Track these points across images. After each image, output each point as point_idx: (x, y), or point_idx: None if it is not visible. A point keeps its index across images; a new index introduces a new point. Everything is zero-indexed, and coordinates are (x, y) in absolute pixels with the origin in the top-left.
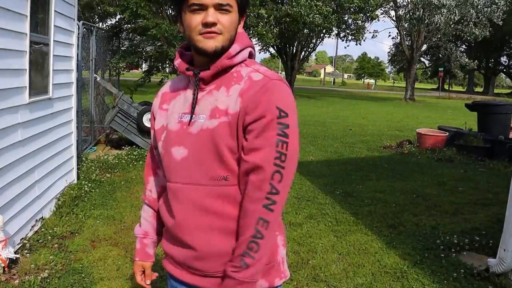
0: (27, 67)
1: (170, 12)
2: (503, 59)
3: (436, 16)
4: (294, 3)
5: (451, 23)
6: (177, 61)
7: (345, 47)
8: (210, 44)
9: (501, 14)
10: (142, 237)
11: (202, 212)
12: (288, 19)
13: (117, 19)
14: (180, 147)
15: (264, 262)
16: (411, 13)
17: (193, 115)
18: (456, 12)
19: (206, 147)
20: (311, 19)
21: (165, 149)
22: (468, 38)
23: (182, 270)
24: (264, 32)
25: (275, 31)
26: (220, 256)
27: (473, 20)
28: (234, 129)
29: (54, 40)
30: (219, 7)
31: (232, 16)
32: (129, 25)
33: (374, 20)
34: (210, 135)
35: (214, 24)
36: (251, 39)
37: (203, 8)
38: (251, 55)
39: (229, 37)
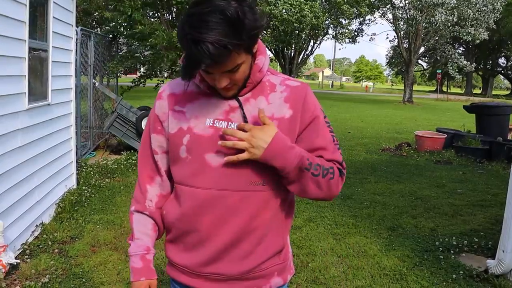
0: (26, 73)
1: (167, 17)
2: (501, 60)
3: (437, 14)
4: (273, 4)
5: (449, 24)
6: (203, 84)
7: (339, 49)
8: (229, 94)
9: (497, 15)
10: (144, 253)
11: (237, 217)
12: (275, 20)
13: (113, 25)
14: (217, 154)
15: (306, 172)
16: (408, 15)
17: (229, 123)
18: (455, 13)
19: None
20: (294, 18)
21: (194, 154)
22: (466, 39)
23: (199, 279)
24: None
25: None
26: (247, 259)
27: (469, 22)
28: (285, 133)
29: (52, 46)
30: (229, 72)
31: (244, 67)
32: (126, 31)
33: (369, 21)
34: None
35: (227, 85)
36: None
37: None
38: None
39: (243, 81)
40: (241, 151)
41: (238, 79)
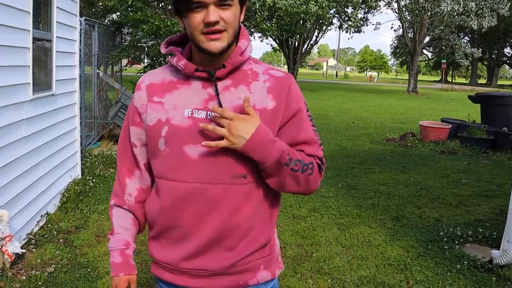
0: (30, 64)
1: (163, 4)
2: (507, 50)
3: (442, 3)
4: None
5: (455, 14)
6: (182, 62)
7: (348, 39)
8: (216, 45)
9: (508, 3)
10: (123, 248)
11: (219, 211)
12: (280, 11)
13: (117, 14)
14: (196, 145)
15: (284, 167)
16: (413, 4)
17: (208, 113)
18: (461, 2)
19: None
20: (299, 9)
21: (173, 147)
22: (473, 27)
23: (182, 276)
24: (265, 26)
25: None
26: (231, 253)
27: (474, 11)
28: (266, 124)
29: (56, 36)
30: (220, 3)
31: (234, 9)
32: (127, 20)
33: (374, 10)
34: None
35: (216, 23)
36: (251, 30)
37: (203, 5)
38: None
39: (233, 33)
40: (221, 138)
41: (228, 20)
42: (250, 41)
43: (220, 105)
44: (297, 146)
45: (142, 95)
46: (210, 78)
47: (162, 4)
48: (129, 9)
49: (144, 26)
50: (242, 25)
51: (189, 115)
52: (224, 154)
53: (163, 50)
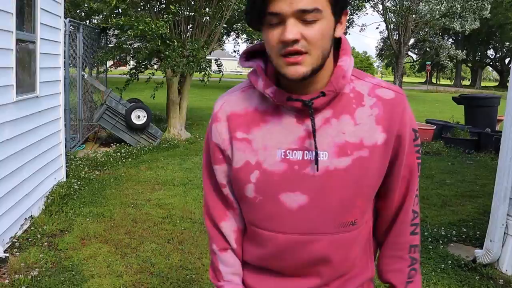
0: (14, 65)
1: (149, 6)
2: (490, 52)
3: (421, 3)
4: None
5: (437, 13)
6: (271, 89)
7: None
8: (295, 70)
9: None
10: None
11: (325, 262)
12: None
13: (102, 16)
14: (295, 193)
15: (419, 281)
16: (398, 6)
17: (305, 152)
18: (444, 2)
19: (334, 192)
20: None
21: (266, 195)
22: (456, 29)
23: None
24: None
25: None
26: None
27: (458, 12)
28: (377, 164)
29: (40, 38)
30: (302, 16)
31: (323, 24)
32: (111, 22)
33: (360, 11)
34: (341, 176)
35: (295, 42)
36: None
37: (281, 18)
38: None
39: (320, 55)
40: (339, 189)
41: (312, 39)
42: (352, 57)
43: (315, 147)
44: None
45: (222, 129)
46: (304, 109)
47: (148, 5)
48: (114, 12)
49: (129, 32)
50: (344, 37)
51: (283, 157)
52: (331, 202)
53: (242, 63)
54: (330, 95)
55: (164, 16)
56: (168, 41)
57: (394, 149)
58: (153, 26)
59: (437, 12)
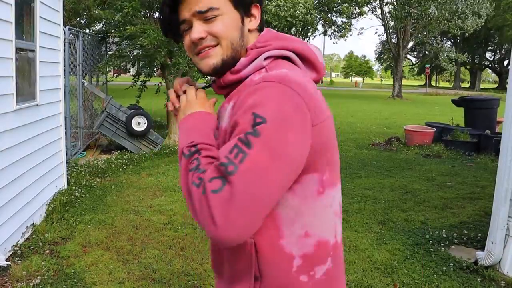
0: (14, 74)
1: (150, 13)
2: (488, 54)
3: (432, 7)
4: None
5: (442, 18)
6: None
7: (334, 43)
8: (207, 63)
9: (488, 5)
10: None
11: None
12: (268, 16)
13: (103, 24)
14: None
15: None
16: (397, 11)
17: None
18: (447, 8)
19: None
20: (288, 14)
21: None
22: (456, 32)
23: None
24: None
25: None
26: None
27: (462, 11)
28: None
29: (40, 46)
30: (201, 17)
31: (225, 18)
32: (116, 30)
33: (361, 16)
34: None
35: (201, 40)
36: None
37: (189, 24)
38: (288, 58)
39: (229, 44)
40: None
41: (218, 33)
42: (283, 48)
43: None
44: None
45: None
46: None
47: (149, 14)
48: (122, 20)
49: (141, 39)
50: (267, 30)
51: None
52: None
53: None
54: (218, 84)
55: None
56: (180, 48)
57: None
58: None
59: (442, 17)
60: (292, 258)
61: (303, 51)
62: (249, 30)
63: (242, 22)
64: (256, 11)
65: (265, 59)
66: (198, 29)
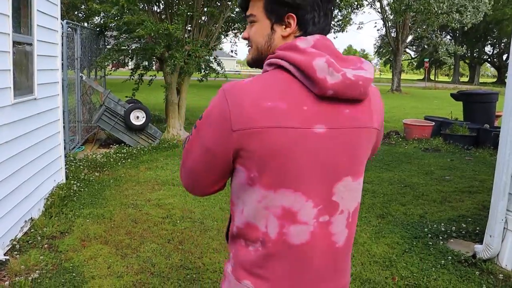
0: (11, 68)
1: (156, 9)
2: (487, 48)
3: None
4: None
5: (439, 12)
6: None
7: (334, 37)
8: (247, 57)
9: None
10: None
11: None
12: None
13: (101, 17)
14: None
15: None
16: (396, 4)
17: None
18: (445, 1)
19: None
20: None
21: None
22: (455, 26)
23: None
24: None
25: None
26: None
27: (462, 4)
28: None
29: (37, 40)
30: (248, 20)
31: (257, 26)
32: (116, 22)
33: (360, 9)
34: None
35: (246, 39)
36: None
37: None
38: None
39: (256, 48)
40: None
41: (251, 36)
42: (282, 58)
43: None
44: None
45: None
46: None
47: (147, 7)
48: (122, 11)
49: (138, 30)
50: (291, 41)
51: None
52: None
53: None
54: None
55: (175, 19)
56: (178, 42)
57: None
58: (170, 28)
59: (441, 10)
60: (234, 224)
61: (299, 64)
62: (283, 36)
63: (272, 29)
64: (291, 21)
65: (269, 65)
66: (246, 30)
